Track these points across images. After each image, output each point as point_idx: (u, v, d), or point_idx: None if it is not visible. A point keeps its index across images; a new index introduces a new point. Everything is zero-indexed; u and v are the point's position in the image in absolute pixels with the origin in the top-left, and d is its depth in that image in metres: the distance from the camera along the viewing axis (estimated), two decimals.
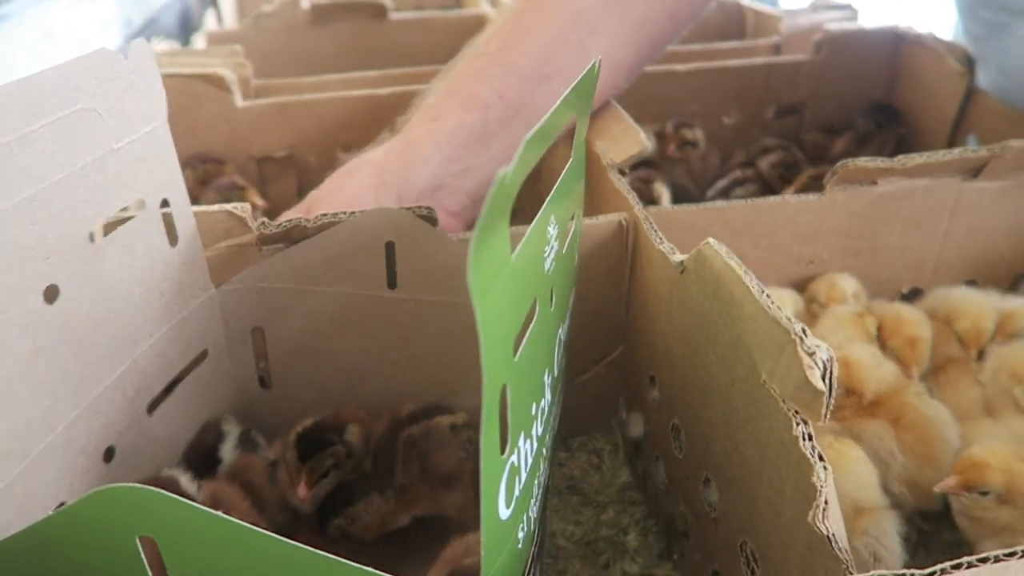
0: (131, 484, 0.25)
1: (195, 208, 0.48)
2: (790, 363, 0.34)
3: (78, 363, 0.39)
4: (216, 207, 0.48)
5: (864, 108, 0.86)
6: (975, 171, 0.59)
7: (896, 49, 0.86)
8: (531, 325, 0.33)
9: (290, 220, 0.48)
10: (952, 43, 0.79)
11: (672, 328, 0.48)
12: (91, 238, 0.40)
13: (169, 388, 0.47)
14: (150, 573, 0.27)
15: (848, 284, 0.59)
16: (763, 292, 0.37)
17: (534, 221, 0.33)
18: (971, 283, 0.63)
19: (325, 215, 0.48)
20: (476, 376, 0.57)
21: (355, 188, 0.59)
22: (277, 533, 0.42)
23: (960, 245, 0.62)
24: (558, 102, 0.34)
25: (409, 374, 0.54)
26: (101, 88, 0.39)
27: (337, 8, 1.11)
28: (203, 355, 0.50)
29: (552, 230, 0.36)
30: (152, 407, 0.46)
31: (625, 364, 0.59)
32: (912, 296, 0.63)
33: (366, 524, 0.49)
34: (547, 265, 0.36)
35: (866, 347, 0.53)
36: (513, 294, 0.29)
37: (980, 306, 0.59)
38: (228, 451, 0.49)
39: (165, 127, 0.45)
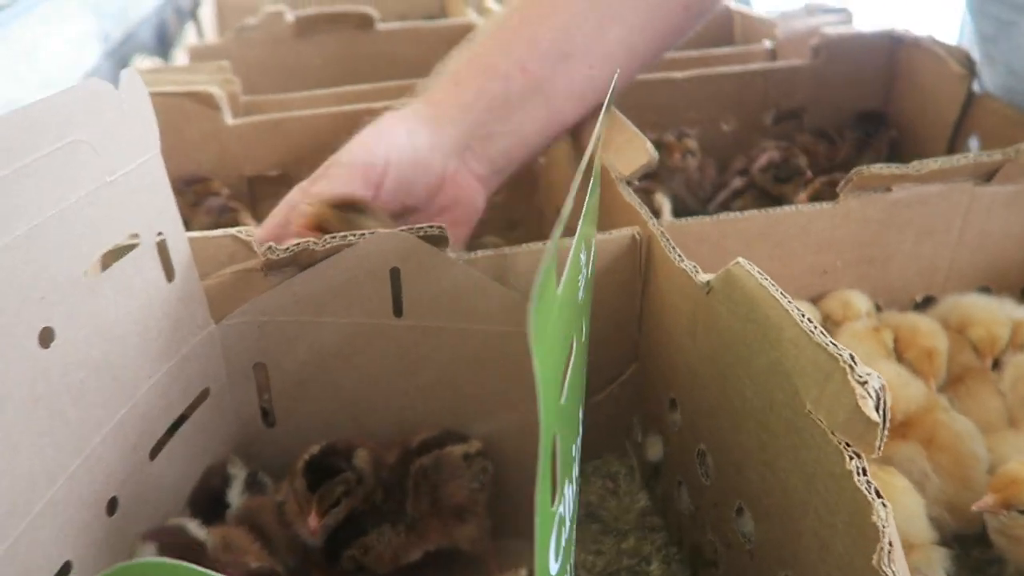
0: (159, 560, 0.23)
1: (198, 234, 0.46)
2: (838, 391, 0.33)
3: (77, 410, 0.37)
4: (220, 232, 0.46)
5: (852, 119, 0.86)
6: (988, 175, 0.58)
7: (893, 52, 0.85)
8: (570, 363, 0.31)
9: (297, 244, 0.46)
10: (952, 46, 0.78)
11: (696, 349, 0.46)
12: (86, 276, 0.38)
13: (170, 431, 0.45)
14: None
15: (862, 302, 0.58)
16: (804, 316, 0.36)
17: (571, 250, 0.31)
18: (984, 290, 0.62)
19: (334, 236, 0.46)
20: (486, 403, 0.55)
21: (389, 136, 0.57)
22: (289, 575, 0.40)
23: (972, 251, 0.61)
24: (597, 126, 0.32)
25: (418, 404, 0.52)
26: (93, 119, 0.37)
27: (322, 19, 1.08)
28: (204, 394, 0.48)
29: (583, 256, 0.35)
30: (154, 452, 0.43)
31: (639, 383, 0.57)
32: (925, 304, 0.62)
33: (379, 554, 0.47)
34: (580, 295, 0.34)
35: (891, 365, 0.52)
36: (560, 333, 0.27)
37: (993, 313, 0.58)
38: (235, 496, 0.46)
39: (158, 158, 0.43)
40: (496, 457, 0.52)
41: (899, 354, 0.56)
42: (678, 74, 0.81)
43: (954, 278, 0.61)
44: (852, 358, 0.33)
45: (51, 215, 0.35)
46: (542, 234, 0.86)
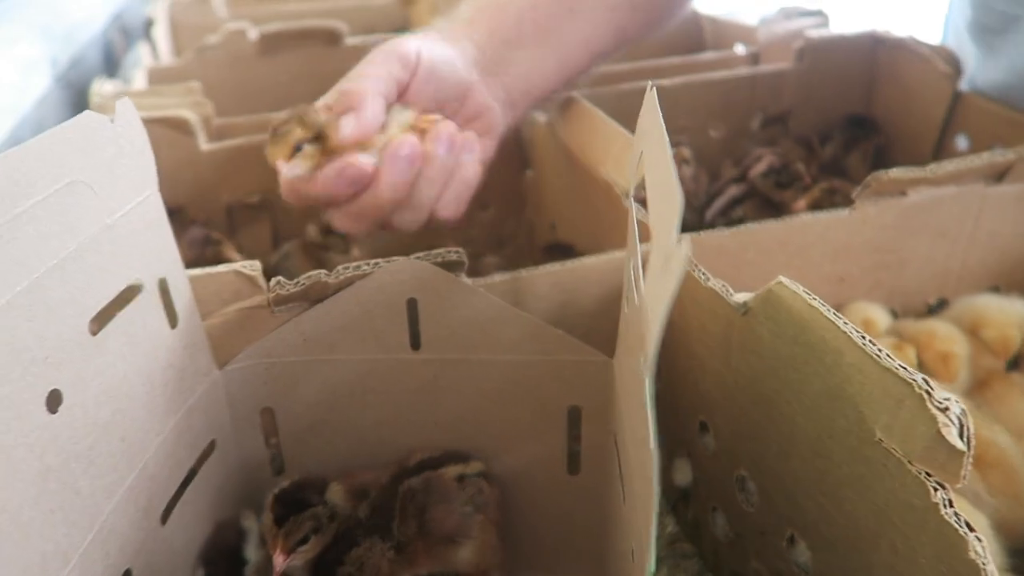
0: None
1: (200, 271, 0.43)
2: (913, 419, 0.31)
3: (88, 479, 0.34)
4: (223, 267, 0.43)
5: (841, 122, 0.86)
6: (999, 175, 0.57)
7: (875, 53, 0.85)
8: None
9: (309, 276, 0.43)
10: (936, 45, 0.78)
11: (730, 372, 0.44)
12: (90, 329, 0.34)
13: (179, 489, 0.42)
14: None
15: (882, 319, 0.57)
16: (865, 338, 0.34)
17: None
18: (994, 289, 0.62)
19: (347, 267, 0.43)
20: (510, 436, 0.52)
21: (414, 39, 0.57)
22: None
23: (984, 251, 0.60)
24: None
25: (437, 441, 0.49)
26: (90, 158, 0.34)
27: (288, 36, 1.04)
28: (211, 446, 0.45)
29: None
30: (165, 515, 0.40)
31: (661, 407, 0.55)
32: (939, 308, 0.61)
33: (375, 566, 0.43)
34: None
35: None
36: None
37: (1005, 313, 0.58)
38: (252, 550, 0.43)
39: (157, 195, 0.40)
40: (521, 491, 0.50)
41: (919, 359, 0.55)
42: (666, 81, 0.80)
43: (966, 279, 0.61)
44: (927, 382, 0.31)
45: (52, 266, 0.31)
46: (533, 251, 0.84)
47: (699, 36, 1.16)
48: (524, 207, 0.84)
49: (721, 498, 0.48)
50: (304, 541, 0.43)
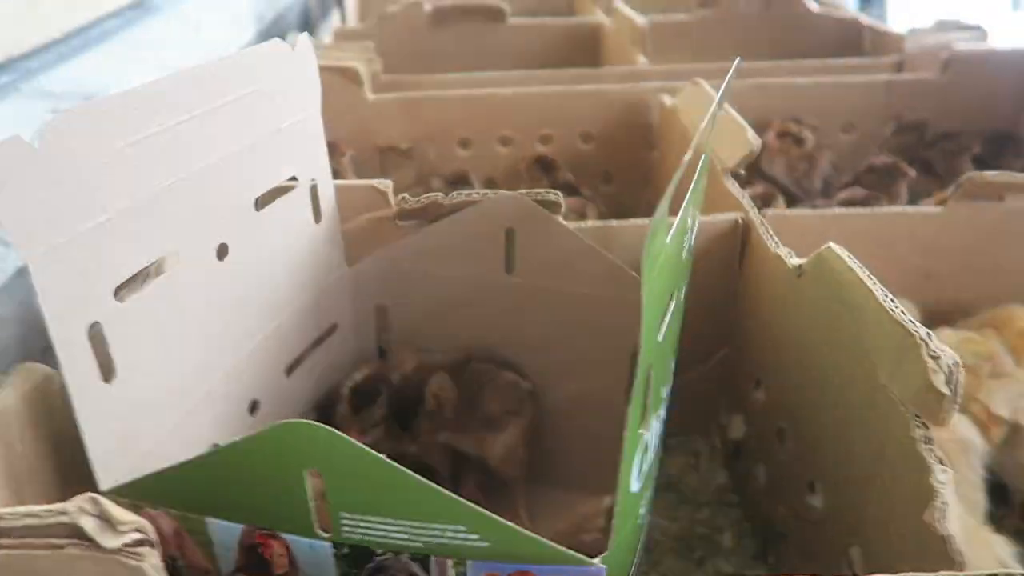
0: (307, 421, 0.28)
1: (342, 182, 0.52)
2: (912, 366, 0.35)
3: (237, 319, 0.44)
4: (361, 182, 0.52)
5: (984, 138, 0.85)
6: None
7: None
8: (669, 311, 0.34)
9: (428, 196, 0.51)
10: None
11: (783, 332, 0.48)
12: (255, 206, 0.44)
13: (303, 354, 0.51)
14: (313, 502, 0.30)
15: None
16: (886, 295, 0.38)
17: (681, 208, 0.34)
18: None
19: (460, 193, 0.51)
20: (576, 364, 0.58)
21: None
22: None
23: None
24: (706, 119, 0.36)
25: (516, 355, 0.56)
26: (272, 75, 0.44)
27: (457, 11, 1.15)
28: (333, 328, 0.54)
29: (691, 221, 0.38)
30: (289, 370, 0.50)
31: (729, 367, 0.59)
32: None
33: (448, 395, 0.53)
34: (684, 255, 0.37)
35: None
36: (664, 277, 0.31)
37: None
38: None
39: (319, 114, 0.49)
40: (581, 415, 0.56)
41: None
42: (801, 80, 0.82)
43: None
44: (928, 334, 0.35)
45: (234, 151, 0.41)
46: None
47: (858, 43, 1.16)
48: (647, 185, 0.89)
49: (764, 451, 0.52)
50: (376, 424, 0.51)
